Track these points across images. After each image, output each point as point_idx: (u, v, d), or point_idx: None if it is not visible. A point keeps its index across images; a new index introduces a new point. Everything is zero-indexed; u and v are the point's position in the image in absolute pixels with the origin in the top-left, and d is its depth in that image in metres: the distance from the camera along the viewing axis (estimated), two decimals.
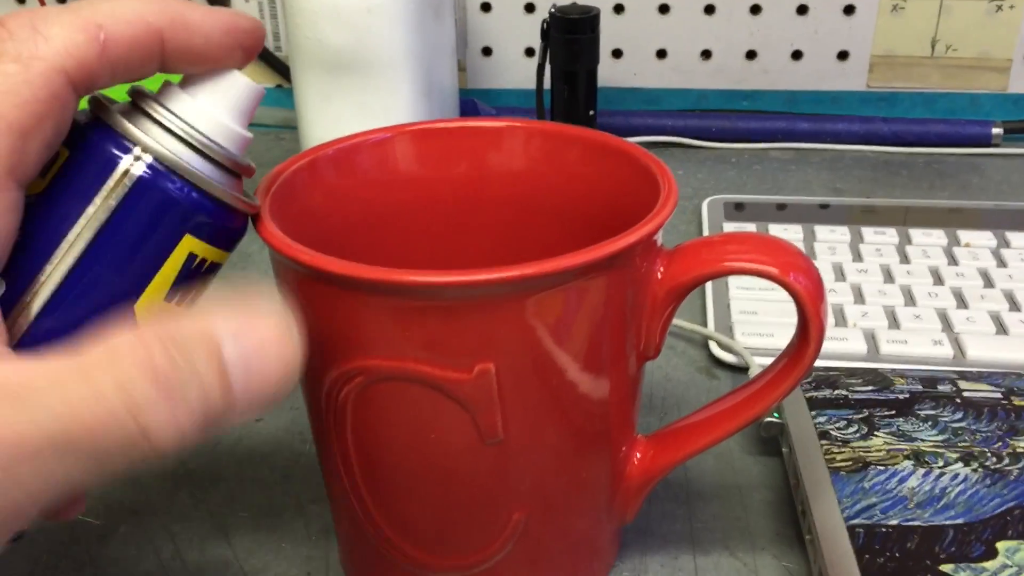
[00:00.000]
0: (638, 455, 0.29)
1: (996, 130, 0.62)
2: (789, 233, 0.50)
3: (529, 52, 0.68)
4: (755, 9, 0.65)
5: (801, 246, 0.49)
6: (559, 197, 0.31)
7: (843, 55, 0.66)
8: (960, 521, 0.28)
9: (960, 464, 0.31)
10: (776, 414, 0.35)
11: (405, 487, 0.27)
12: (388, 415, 0.25)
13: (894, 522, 0.28)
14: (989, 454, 0.31)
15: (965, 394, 0.34)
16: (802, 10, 0.65)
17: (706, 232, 0.51)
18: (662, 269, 0.27)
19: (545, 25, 0.57)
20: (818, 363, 0.39)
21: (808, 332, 0.26)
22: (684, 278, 0.26)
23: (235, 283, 0.22)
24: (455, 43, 0.59)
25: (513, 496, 0.27)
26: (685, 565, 0.31)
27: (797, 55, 0.66)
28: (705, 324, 0.44)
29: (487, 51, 0.68)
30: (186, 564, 0.31)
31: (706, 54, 0.67)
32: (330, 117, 0.54)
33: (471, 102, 0.64)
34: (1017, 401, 0.33)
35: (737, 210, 0.54)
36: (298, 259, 0.24)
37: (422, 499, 0.27)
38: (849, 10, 0.64)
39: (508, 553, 0.28)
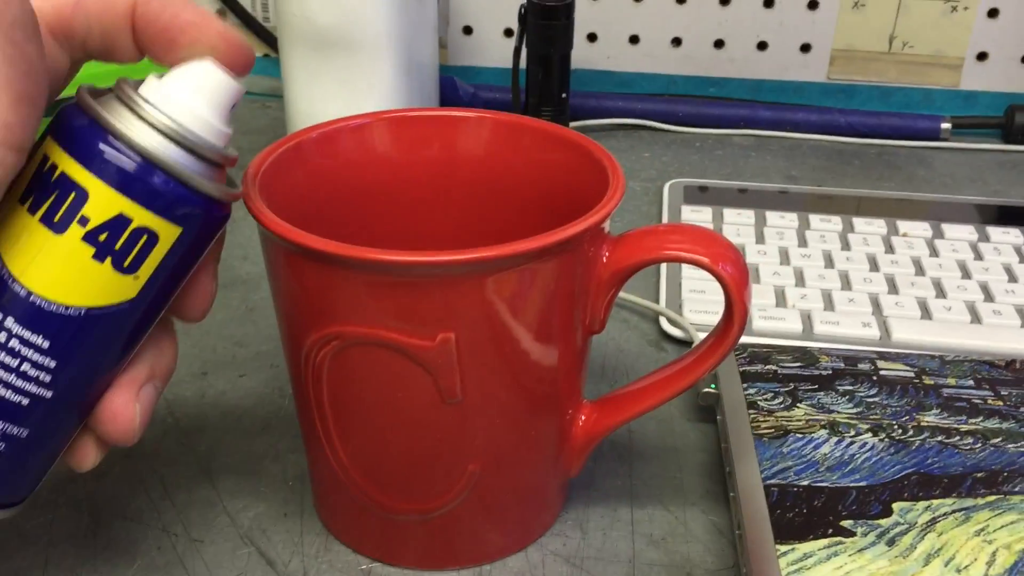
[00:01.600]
0: (583, 417, 0.33)
1: (945, 125, 0.66)
2: (742, 218, 0.54)
3: (508, 32, 0.71)
4: (724, 0, 0.68)
5: (752, 230, 0.52)
6: (520, 182, 0.35)
7: (806, 47, 0.69)
8: (863, 483, 0.32)
9: (869, 434, 0.34)
10: (713, 385, 0.39)
11: (373, 439, 0.30)
12: (360, 376, 0.29)
13: (805, 483, 0.32)
14: (896, 426, 0.35)
15: (882, 372, 0.38)
16: (768, 3, 0.68)
17: (665, 213, 0.55)
18: (607, 254, 0.30)
19: (522, 10, 0.60)
20: (755, 340, 0.43)
21: (732, 314, 0.30)
22: (627, 263, 0.30)
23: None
24: (437, 22, 0.62)
25: (469, 450, 0.30)
26: (623, 516, 0.35)
27: (763, 46, 0.69)
28: (657, 301, 0.47)
29: (468, 30, 0.71)
30: (174, 502, 0.35)
31: (676, 41, 0.70)
32: (315, 91, 0.57)
33: (450, 79, 0.67)
34: (927, 380, 0.37)
35: (700, 192, 0.57)
36: (284, 236, 0.27)
37: (388, 450, 0.30)
38: (813, 5, 0.67)
39: (464, 500, 0.31)
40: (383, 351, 0.28)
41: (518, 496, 0.32)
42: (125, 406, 0.27)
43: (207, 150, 0.25)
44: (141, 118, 0.24)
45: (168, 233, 0.25)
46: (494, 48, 0.71)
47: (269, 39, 0.72)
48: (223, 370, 0.42)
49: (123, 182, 0.24)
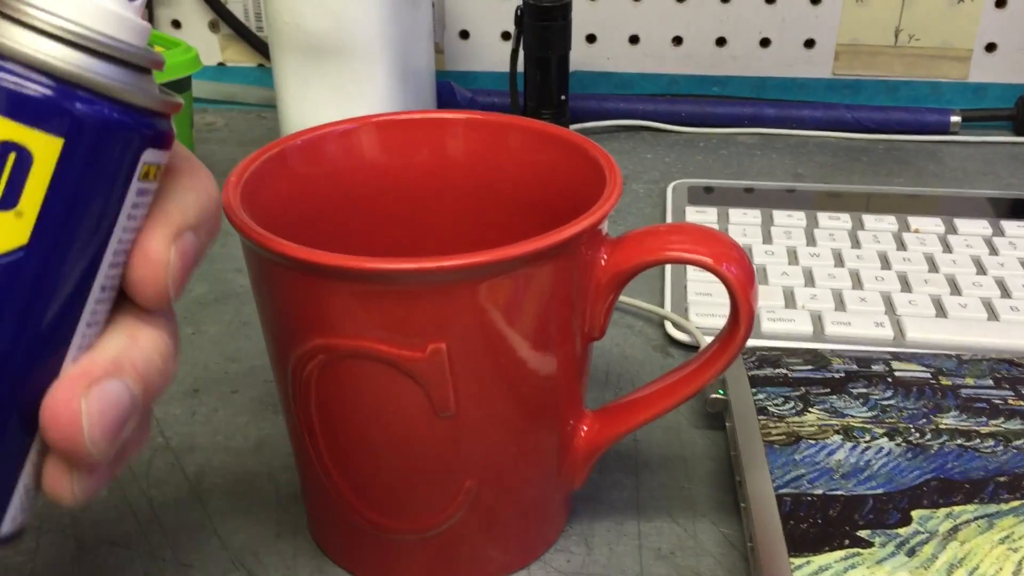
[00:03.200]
0: (585, 428, 0.32)
1: (955, 118, 0.64)
2: (748, 217, 0.52)
3: (506, 36, 0.70)
4: None
5: (758, 230, 0.51)
6: (514, 185, 0.33)
7: (809, 43, 0.67)
8: (880, 491, 0.31)
9: (885, 439, 0.33)
10: (722, 391, 0.37)
11: (365, 456, 0.29)
12: (348, 390, 0.27)
13: (819, 491, 0.31)
14: (913, 430, 0.33)
15: (896, 374, 0.36)
16: None
17: (669, 215, 0.54)
18: (606, 257, 0.29)
19: (519, 12, 0.59)
20: (764, 343, 0.42)
21: (738, 316, 0.29)
22: (626, 265, 0.29)
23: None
24: (432, 27, 0.61)
25: (465, 465, 0.29)
26: (629, 530, 0.33)
27: (765, 43, 0.68)
28: (662, 304, 0.46)
29: (464, 34, 0.70)
30: (163, 526, 0.33)
31: (677, 40, 0.69)
32: (309, 100, 0.56)
33: (447, 84, 0.66)
34: (944, 380, 0.36)
35: (705, 193, 0.56)
36: (267, 246, 0.26)
37: (380, 467, 0.29)
38: None
39: (461, 517, 0.30)
40: (372, 364, 0.27)
41: (519, 512, 0.31)
42: (67, 403, 0.20)
43: (95, 40, 0.19)
44: (28, 25, 0.19)
45: (44, 148, 0.19)
46: (491, 52, 0.70)
47: (263, 49, 0.71)
48: (215, 387, 0.41)
49: None
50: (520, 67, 0.61)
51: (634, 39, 0.69)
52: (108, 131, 0.19)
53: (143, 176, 0.20)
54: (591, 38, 0.69)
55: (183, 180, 0.22)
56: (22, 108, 0.19)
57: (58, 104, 0.19)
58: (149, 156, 0.20)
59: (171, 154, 0.22)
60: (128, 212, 0.20)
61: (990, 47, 0.66)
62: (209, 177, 0.23)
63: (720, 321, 0.43)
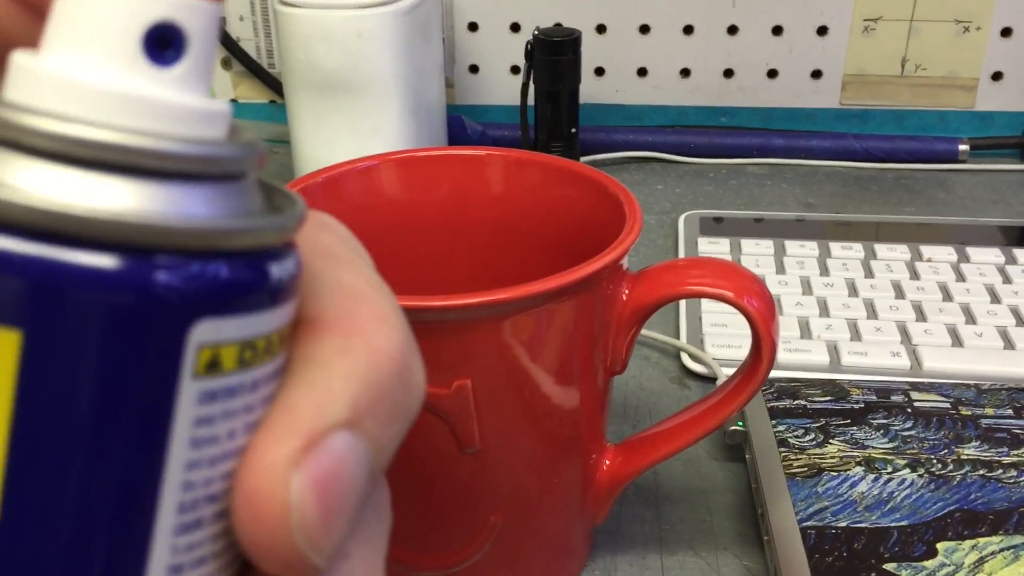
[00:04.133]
0: (607, 462, 0.32)
1: (963, 147, 0.65)
2: (761, 248, 0.52)
3: (515, 70, 0.70)
4: (732, 29, 0.67)
5: (771, 260, 0.51)
6: (534, 221, 0.34)
7: (817, 74, 0.68)
8: (904, 523, 0.31)
9: (907, 470, 0.33)
10: (740, 423, 0.37)
11: (389, 492, 0.29)
12: None
13: (843, 524, 0.31)
14: (935, 460, 0.33)
15: (916, 404, 0.36)
16: (777, 30, 0.67)
17: (681, 246, 0.54)
18: (627, 291, 0.29)
19: (529, 46, 0.59)
20: (782, 374, 0.42)
21: (760, 349, 0.29)
22: (648, 300, 0.29)
23: None
24: (443, 62, 0.61)
25: (490, 500, 0.29)
26: (652, 564, 0.33)
27: (773, 74, 0.68)
28: (678, 336, 0.46)
29: (474, 68, 0.71)
30: None
31: (685, 72, 0.69)
32: (322, 136, 0.56)
33: (458, 119, 0.66)
34: (964, 411, 0.36)
35: (716, 223, 0.56)
36: None
37: (405, 503, 0.29)
38: (822, 30, 0.67)
39: (486, 553, 0.30)
40: None
41: (543, 546, 0.31)
42: None
43: (201, 158, 0.12)
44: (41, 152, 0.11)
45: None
46: (501, 86, 0.71)
47: (274, 85, 0.72)
48: None
49: None
50: (530, 100, 0.61)
51: (642, 71, 0.70)
52: (92, 304, 0.11)
53: (207, 369, 0.12)
54: (599, 71, 0.70)
55: (325, 342, 0.13)
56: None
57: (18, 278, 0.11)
58: (213, 332, 0.12)
59: (294, 308, 0.13)
60: (191, 434, 0.12)
61: (996, 76, 0.67)
62: (380, 319, 0.14)
63: (736, 352, 0.43)
